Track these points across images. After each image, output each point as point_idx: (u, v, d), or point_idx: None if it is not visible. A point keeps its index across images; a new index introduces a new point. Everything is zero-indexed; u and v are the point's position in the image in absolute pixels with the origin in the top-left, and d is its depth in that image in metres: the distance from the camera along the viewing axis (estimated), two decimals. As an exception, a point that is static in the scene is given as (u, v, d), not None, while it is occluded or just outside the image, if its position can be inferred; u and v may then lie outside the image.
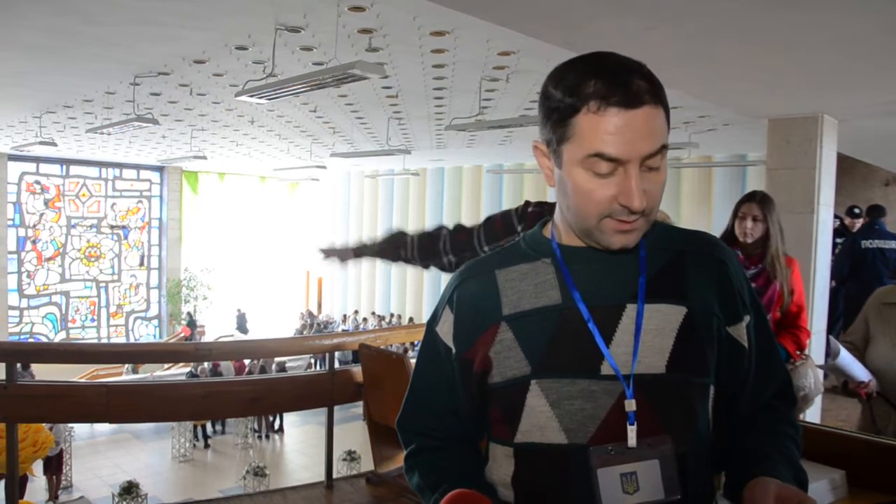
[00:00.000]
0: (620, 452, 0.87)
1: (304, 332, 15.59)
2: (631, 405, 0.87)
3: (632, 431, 0.87)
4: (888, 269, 5.56)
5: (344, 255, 2.10)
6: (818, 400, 4.49)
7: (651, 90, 0.83)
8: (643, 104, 0.82)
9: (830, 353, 2.39)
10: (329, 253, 2.13)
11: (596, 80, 0.83)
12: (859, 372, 2.40)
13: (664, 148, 0.85)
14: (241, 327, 17.39)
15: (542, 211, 1.70)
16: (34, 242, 15.64)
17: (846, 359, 2.40)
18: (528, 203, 1.75)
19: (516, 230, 1.72)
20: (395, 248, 1.95)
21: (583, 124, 0.83)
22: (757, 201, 2.80)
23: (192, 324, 16.31)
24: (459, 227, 1.85)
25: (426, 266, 1.93)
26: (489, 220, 1.79)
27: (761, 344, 0.98)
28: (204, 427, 10.57)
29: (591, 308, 0.91)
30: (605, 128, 0.82)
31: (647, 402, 0.88)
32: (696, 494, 0.92)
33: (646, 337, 0.89)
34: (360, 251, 2.06)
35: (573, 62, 0.87)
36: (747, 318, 0.96)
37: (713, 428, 0.96)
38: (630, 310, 0.90)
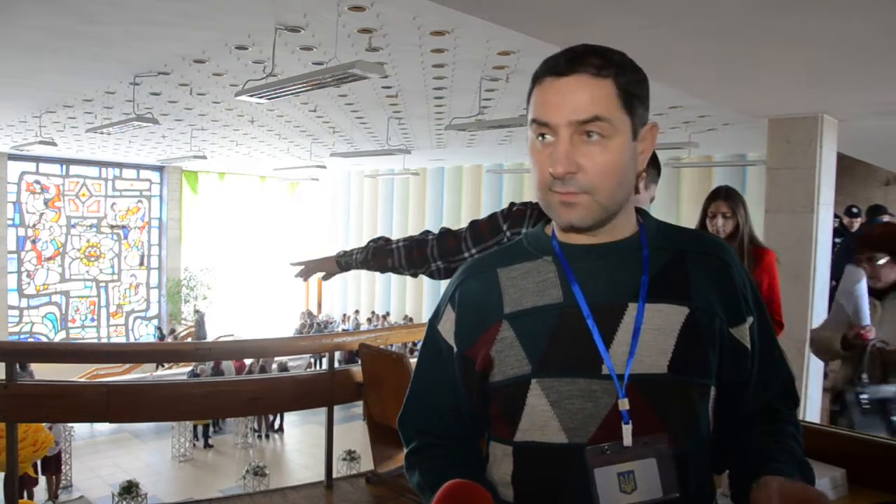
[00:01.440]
0: (617, 451, 0.87)
1: (304, 332, 15.59)
2: (624, 404, 0.87)
3: (627, 430, 0.87)
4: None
5: (327, 267, 2.04)
6: (818, 400, 4.49)
7: (597, 63, 0.87)
8: (575, 72, 0.86)
9: (853, 279, 2.41)
10: (309, 270, 2.07)
11: (548, 59, 0.90)
12: (867, 312, 2.41)
13: (598, 120, 0.85)
14: (200, 330, 16.16)
15: (526, 209, 1.71)
16: (34, 242, 15.64)
17: (863, 289, 2.42)
18: (513, 204, 1.77)
19: (502, 229, 1.73)
20: (381, 257, 1.93)
21: (532, 97, 0.90)
22: (723, 198, 2.81)
23: (162, 339, 16.09)
24: (446, 233, 1.84)
25: (414, 274, 1.91)
26: (474, 223, 1.80)
27: (764, 344, 0.98)
28: (206, 427, 10.57)
29: (592, 306, 0.90)
30: (540, 94, 0.89)
31: (648, 402, 0.88)
32: (696, 494, 0.91)
33: (647, 337, 0.89)
34: (346, 264, 2.01)
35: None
36: (750, 320, 0.96)
37: (714, 428, 0.96)
38: (632, 309, 0.90)
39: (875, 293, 2.57)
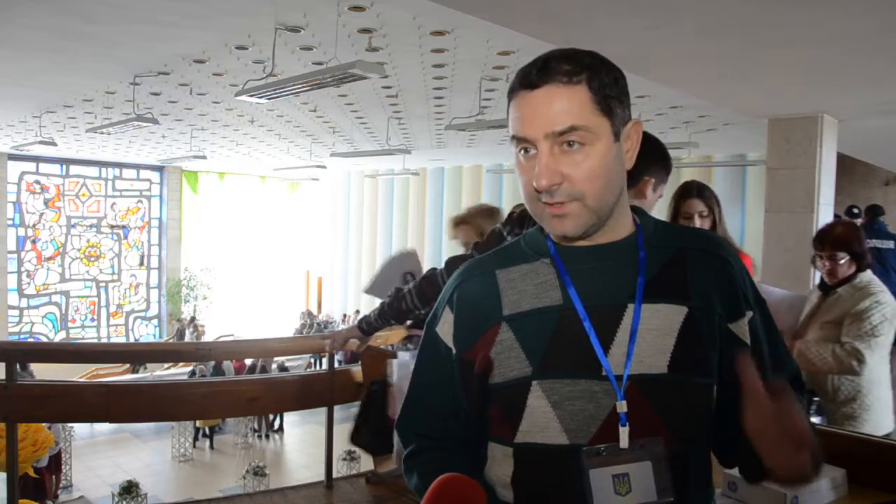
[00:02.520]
0: (612, 453, 0.87)
1: (304, 332, 15.58)
2: (622, 406, 0.87)
3: (623, 432, 0.87)
4: (884, 269, 5.56)
5: (353, 334, 2.12)
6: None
7: (568, 69, 0.86)
8: (545, 83, 0.86)
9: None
10: (337, 341, 2.16)
11: (518, 73, 0.89)
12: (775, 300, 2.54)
13: (575, 129, 0.85)
14: (180, 339, 15.57)
15: (526, 211, 1.74)
16: (34, 242, 15.63)
17: (771, 293, 2.60)
18: (511, 212, 1.81)
19: (503, 235, 1.77)
20: (395, 305, 1.99)
21: (510, 112, 0.90)
22: (696, 195, 2.49)
23: None
24: (453, 258, 1.91)
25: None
26: (477, 242, 1.88)
27: (770, 338, 0.98)
28: (213, 428, 10.55)
29: (589, 308, 0.90)
30: (516, 109, 0.88)
31: (648, 403, 0.88)
32: (695, 495, 0.91)
33: (647, 337, 0.89)
34: (367, 324, 2.09)
35: None
36: (750, 314, 0.96)
37: (719, 427, 0.96)
38: (630, 310, 0.90)
39: (823, 287, 2.66)
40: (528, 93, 0.87)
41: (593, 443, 0.88)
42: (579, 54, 0.88)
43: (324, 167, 11.86)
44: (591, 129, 0.86)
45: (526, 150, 0.88)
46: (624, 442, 0.87)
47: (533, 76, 0.87)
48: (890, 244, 5.67)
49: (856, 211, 6.21)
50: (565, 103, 0.85)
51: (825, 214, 4.36)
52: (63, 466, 8.47)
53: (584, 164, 0.86)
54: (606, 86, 0.87)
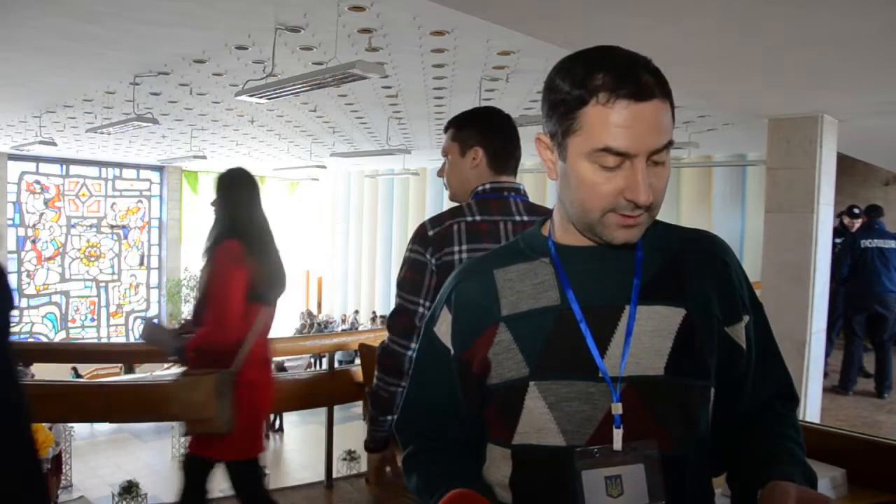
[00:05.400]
0: (606, 455, 0.87)
1: (304, 332, 15.58)
2: (617, 408, 0.86)
3: (617, 434, 0.86)
4: (887, 269, 5.57)
5: (374, 458, 1.90)
6: (818, 400, 4.49)
7: (659, 84, 0.83)
8: (653, 97, 0.82)
9: None
10: (373, 466, 1.90)
11: (605, 73, 0.82)
12: None
13: (670, 143, 0.84)
14: None
15: (450, 229, 1.57)
16: (34, 242, 15.64)
17: None
18: (424, 233, 1.60)
19: (428, 264, 1.56)
20: (375, 400, 1.76)
21: (591, 117, 0.82)
22: None
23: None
24: (392, 319, 1.68)
25: (403, 375, 1.75)
26: (400, 284, 1.64)
27: (761, 344, 0.97)
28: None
29: (586, 309, 0.89)
30: (615, 121, 0.81)
31: (644, 405, 0.87)
32: (693, 498, 0.91)
33: (644, 339, 0.88)
34: (375, 444, 1.85)
35: (580, 54, 0.86)
36: (747, 318, 0.95)
37: (713, 430, 0.95)
38: (628, 311, 0.90)
39: None
40: (635, 105, 0.81)
41: (590, 444, 0.87)
42: (651, 64, 0.85)
43: (324, 167, 11.87)
44: (672, 143, 0.85)
45: (606, 160, 0.83)
46: (617, 444, 0.86)
47: (636, 87, 0.81)
48: (892, 244, 5.67)
49: (856, 211, 6.21)
50: (665, 120, 0.83)
51: (825, 214, 4.35)
52: (63, 466, 8.46)
53: (663, 176, 0.86)
54: (674, 101, 0.87)
